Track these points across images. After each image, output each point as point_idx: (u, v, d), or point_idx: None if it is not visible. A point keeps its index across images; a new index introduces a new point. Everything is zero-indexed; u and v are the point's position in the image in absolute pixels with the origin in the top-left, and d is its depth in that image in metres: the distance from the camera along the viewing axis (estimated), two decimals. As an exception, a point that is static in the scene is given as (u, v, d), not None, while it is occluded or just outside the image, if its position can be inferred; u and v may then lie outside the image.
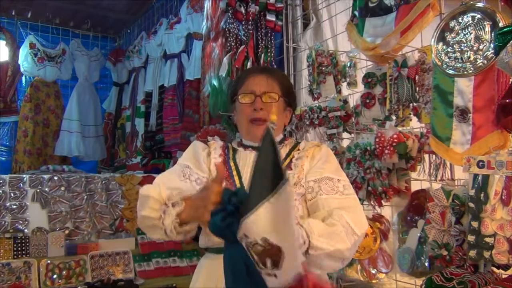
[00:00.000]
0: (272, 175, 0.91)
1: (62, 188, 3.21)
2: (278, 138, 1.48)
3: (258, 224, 0.92)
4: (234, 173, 1.41)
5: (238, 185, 1.36)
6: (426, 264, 1.63)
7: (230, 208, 0.99)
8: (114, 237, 3.11)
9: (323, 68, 2.33)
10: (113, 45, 5.54)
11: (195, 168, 1.41)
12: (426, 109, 1.77)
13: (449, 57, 1.61)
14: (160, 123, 4.05)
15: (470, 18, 1.56)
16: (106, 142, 5.15)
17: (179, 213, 1.17)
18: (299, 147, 1.45)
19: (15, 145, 4.59)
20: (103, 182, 3.43)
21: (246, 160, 1.43)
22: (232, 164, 1.43)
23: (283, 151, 1.43)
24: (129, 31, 5.25)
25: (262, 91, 1.40)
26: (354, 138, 2.19)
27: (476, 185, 1.39)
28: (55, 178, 3.24)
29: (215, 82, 2.72)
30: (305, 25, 2.84)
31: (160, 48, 4.22)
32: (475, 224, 1.36)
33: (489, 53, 1.49)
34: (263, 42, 2.70)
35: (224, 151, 1.48)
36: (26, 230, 2.89)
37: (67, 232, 2.99)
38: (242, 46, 2.63)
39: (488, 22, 1.50)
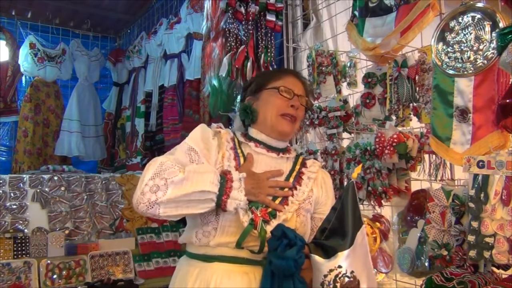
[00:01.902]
0: (353, 221, 1.14)
1: (62, 188, 3.21)
2: (284, 144, 1.46)
3: (352, 257, 1.09)
4: None
5: None
6: (426, 264, 1.63)
7: (301, 244, 1.13)
8: (114, 237, 3.11)
9: (323, 68, 2.33)
10: (113, 45, 5.55)
11: (202, 156, 1.30)
12: (426, 109, 1.77)
13: (449, 57, 1.61)
14: (160, 123, 4.05)
15: (470, 18, 1.56)
16: (106, 142, 5.16)
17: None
18: (305, 162, 1.45)
19: (15, 145, 4.59)
20: (103, 182, 3.43)
21: (257, 158, 1.38)
22: (242, 161, 1.36)
23: (287, 165, 1.43)
24: (129, 31, 5.25)
25: (300, 93, 1.42)
26: (354, 138, 2.19)
27: (476, 185, 1.39)
28: (55, 178, 3.24)
29: (215, 82, 2.72)
30: (305, 25, 2.84)
31: (160, 48, 4.22)
32: (475, 224, 1.36)
33: (489, 53, 1.49)
34: (263, 42, 2.69)
35: (234, 145, 1.40)
36: (26, 230, 2.89)
37: (67, 232, 2.99)
38: (242, 46, 2.63)
39: (488, 22, 1.50)
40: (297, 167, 1.43)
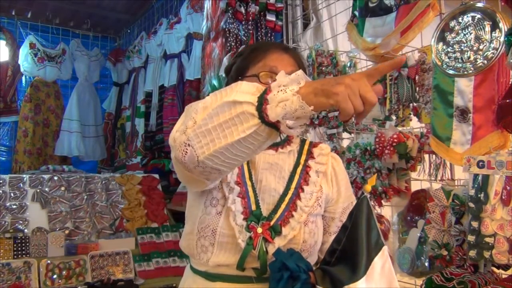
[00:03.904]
0: (368, 244, 0.96)
1: (62, 188, 3.21)
2: (282, 136, 1.23)
3: None
4: (247, 175, 1.16)
5: (251, 193, 1.14)
6: (426, 264, 1.63)
7: (305, 277, 1.00)
8: (114, 237, 3.11)
9: (323, 68, 2.33)
10: (113, 45, 5.55)
11: None
12: (426, 109, 1.77)
13: (449, 57, 1.61)
14: (160, 123, 4.05)
15: (470, 18, 1.56)
16: (106, 142, 5.16)
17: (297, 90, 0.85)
18: (311, 152, 1.23)
19: (15, 145, 4.59)
20: (103, 182, 3.43)
21: (254, 158, 1.18)
22: (245, 166, 1.18)
23: (290, 159, 1.22)
24: (129, 31, 5.25)
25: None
26: (354, 138, 2.19)
27: (476, 185, 1.39)
28: (55, 178, 3.24)
29: (215, 82, 2.72)
30: (305, 25, 2.84)
31: (160, 48, 4.22)
32: (475, 224, 1.36)
33: (489, 53, 1.49)
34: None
35: None
36: (26, 230, 2.89)
37: (67, 232, 3.00)
38: (242, 46, 2.63)
39: (488, 22, 1.50)
40: (302, 159, 1.21)
